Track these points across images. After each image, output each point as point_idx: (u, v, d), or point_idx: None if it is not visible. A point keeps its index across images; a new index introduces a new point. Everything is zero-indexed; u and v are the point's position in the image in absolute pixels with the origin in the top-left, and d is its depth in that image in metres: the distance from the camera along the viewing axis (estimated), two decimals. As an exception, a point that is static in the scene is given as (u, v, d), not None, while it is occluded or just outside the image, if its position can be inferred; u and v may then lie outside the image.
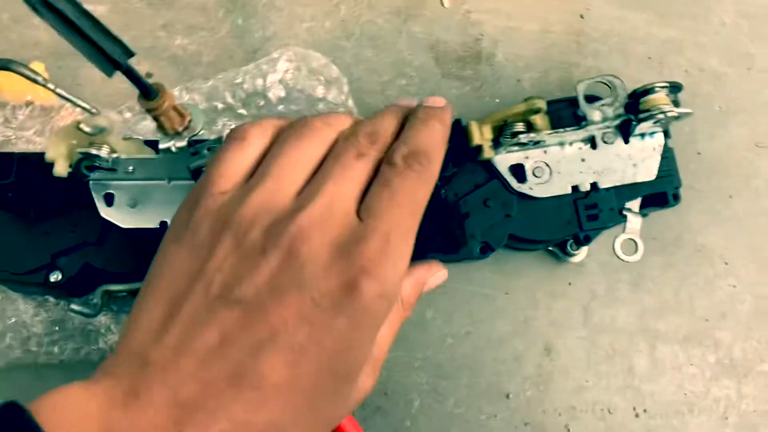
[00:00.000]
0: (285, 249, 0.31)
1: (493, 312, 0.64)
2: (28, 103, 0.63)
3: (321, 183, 0.35)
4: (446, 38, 0.69)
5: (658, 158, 0.59)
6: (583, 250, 0.64)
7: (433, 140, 0.41)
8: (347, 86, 0.63)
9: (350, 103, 0.63)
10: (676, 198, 0.60)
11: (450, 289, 0.64)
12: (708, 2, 0.72)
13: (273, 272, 0.31)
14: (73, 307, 0.51)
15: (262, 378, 0.29)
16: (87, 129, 0.52)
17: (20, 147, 0.63)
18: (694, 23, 0.71)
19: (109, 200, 0.57)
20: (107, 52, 0.39)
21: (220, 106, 0.61)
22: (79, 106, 0.52)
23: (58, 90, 0.51)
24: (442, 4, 0.70)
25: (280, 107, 0.61)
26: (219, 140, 0.56)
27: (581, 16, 0.71)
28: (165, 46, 0.68)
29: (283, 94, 0.61)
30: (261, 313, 0.30)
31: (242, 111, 0.62)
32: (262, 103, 0.61)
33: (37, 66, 0.66)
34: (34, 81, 0.50)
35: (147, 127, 0.62)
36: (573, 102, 0.61)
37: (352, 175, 0.36)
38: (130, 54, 0.41)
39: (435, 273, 0.46)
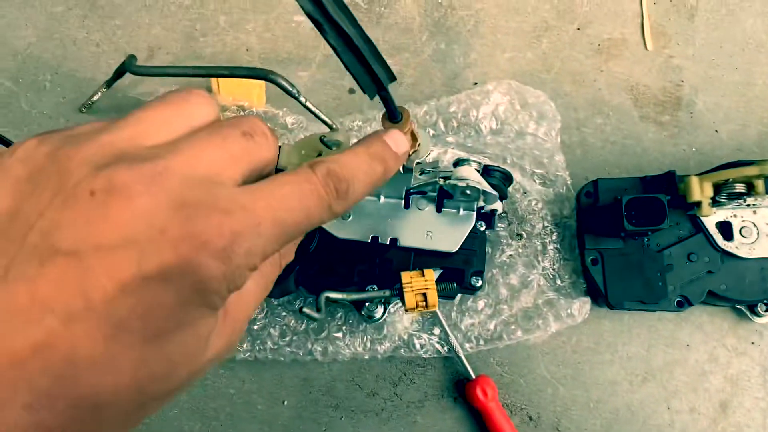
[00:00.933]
0: (120, 197, 0.26)
1: (671, 361, 0.64)
2: (242, 108, 0.66)
3: (191, 140, 0.30)
4: (646, 81, 0.69)
5: None
6: (772, 312, 0.63)
7: (364, 180, 0.34)
8: (559, 124, 0.64)
9: (558, 140, 0.64)
10: None
11: (631, 335, 0.64)
12: None
13: (99, 223, 0.26)
14: (305, 310, 0.53)
15: (74, 350, 0.25)
16: (328, 143, 0.54)
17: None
18: None
19: (324, 212, 0.60)
20: (376, 74, 0.41)
21: (431, 132, 0.63)
22: (322, 120, 0.54)
23: (308, 104, 0.53)
24: (645, 47, 0.70)
25: (488, 138, 0.63)
26: (435, 164, 0.58)
27: (787, 72, 0.69)
28: (369, 62, 0.70)
29: (495, 126, 0.62)
30: (79, 272, 0.25)
31: (450, 139, 0.63)
32: (472, 133, 0.62)
33: (249, 71, 0.69)
34: (289, 93, 0.52)
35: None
36: (785, 164, 0.60)
37: (231, 147, 0.30)
38: (393, 78, 0.42)
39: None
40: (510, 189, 0.64)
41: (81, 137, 0.28)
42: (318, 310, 0.55)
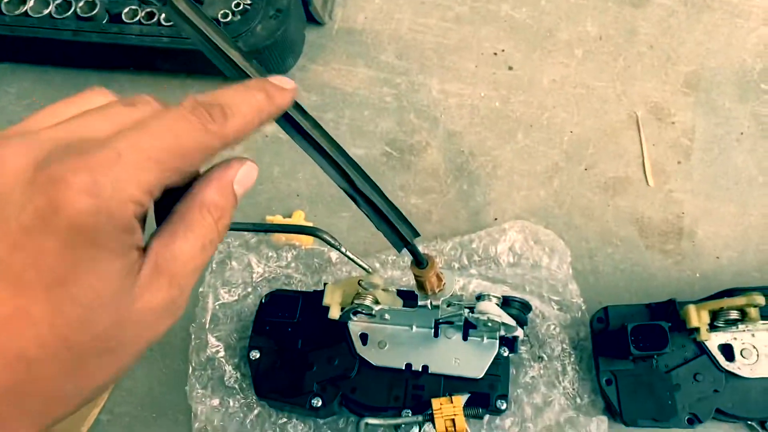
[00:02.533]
0: None
1: (689, 477, 0.68)
2: (293, 246, 0.77)
3: (74, 117, 0.31)
4: (650, 213, 0.78)
5: None
6: (783, 428, 0.67)
7: (243, 103, 0.33)
8: (570, 258, 0.72)
9: (570, 271, 0.72)
10: None
11: (650, 450, 0.69)
12: None
13: None
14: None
15: None
16: (365, 285, 0.63)
17: (282, 282, 0.76)
18: None
19: (363, 340, 0.68)
20: (400, 233, 0.51)
21: (456, 265, 0.72)
22: (360, 266, 0.64)
23: (348, 253, 0.62)
24: (647, 183, 0.79)
25: (507, 270, 0.71)
26: (460, 297, 0.66)
27: (778, 203, 0.77)
28: (402, 203, 0.80)
29: (511, 259, 0.71)
30: None
31: (473, 271, 0.72)
32: (492, 266, 0.71)
33: (298, 214, 0.80)
34: (333, 246, 0.61)
35: (390, 275, 0.73)
36: (779, 290, 0.67)
37: (108, 113, 0.31)
38: (416, 234, 0.52)
39: (238, 170, 0.36)
40: (530, 315, 0.72)
41: None
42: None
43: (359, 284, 0.63)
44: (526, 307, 0.69)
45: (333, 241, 0.63)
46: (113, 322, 0.29)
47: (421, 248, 0.54)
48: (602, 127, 0.82)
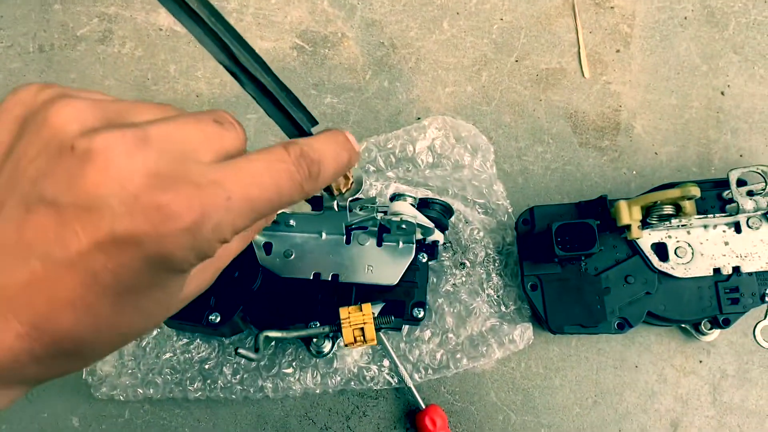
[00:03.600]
0: (99, 159, 0.27)
1: (620, 384, 0.64)
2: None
3: (169, 119, 0.31)
4: (585, 108, 0.71)
5: (807, 246, 0.59)
6: (716, 331, 0.63)
7: (333, 163, 0.35)
8: (493, 155, 0.66)
9: (493, 170, 0.66)
10: (823, 287, 0.59)
11: (579, 359, 0.65)
12: None
13: (78, 181, 0.27)
14: (241, 351, 0.55)
15: (54, 292, 0.27)
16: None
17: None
18: (839, 104, 0.70)
19: (267, 249, 0.61)
20: (296, 120, 0.43)
21: (371, 168, 0.65)
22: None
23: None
24: (582, 75, 0.72)
25: (427, 172, 0.64)
26: (373, 200, 0.59)
27: (722, 93, 0.71)
28: (316, 103, 0.72)
29: (431, 160, 0.64)
30: (59, 223, 0.27)
31: (390, 173, 0.65)
32: (410, 167, 0.64)
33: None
34: None
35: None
36: (717, 184, 0.61)
37: (205, 128, 0.31)
38: (314, 122, 0.44)
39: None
40: (453, 219, 0.66)
41: (78, 97, 0.30)
42: (256, 350, 0.56)
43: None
44: (447, 210, 0.62)
45: None
46: (163, 316, 0.32)
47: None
48: (535, 13, 0.74)
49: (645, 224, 0.58)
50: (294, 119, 0.44)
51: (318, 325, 0.60)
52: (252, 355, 0.55)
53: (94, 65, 0.75)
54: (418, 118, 0.71)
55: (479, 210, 0.66)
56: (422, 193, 0.65)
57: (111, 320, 0.29)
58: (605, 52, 0.73)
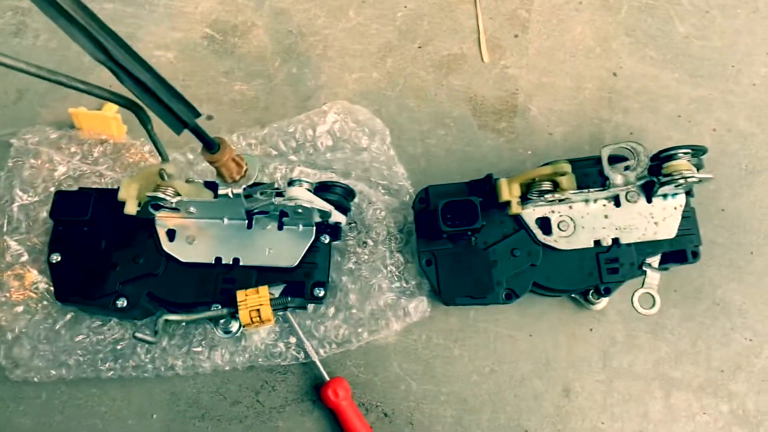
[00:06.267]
0: None
1: (516, 352, 0.68)
2: (102, 141, 0.70)
3: None
4: (484, 92, 0.74)
5: (679, 217, 0.63)
6: (604, 299, 0.67)
7: None
8: (389, 137, 0.69)
9: (391, 152, 0.69)
10: (695, 255, 0.63)
11: (477, 329, 0.68)
12: (738, 63, 0.75)
13: None
14: (137, 335, 0.57)
15: None
16: (162, 174, 0.58)
17: (93, 180, 0.70)
18: (724, 83, 0.74)
19: (170, 236, 0.64)
20: (177, 113, 0.46)
21: (273, 152, 0.67)
22: (159, 151, 0.58)
23: (155, 134, 0.56)
24: (482, 59, 0.75)
25: (328, 155, 0.67)
26: (271, 185, 0.62)
27: (614, 74, 0.74)
28: (225, 91, 0.74)
29: (330, 143, 0.67)
30: None
31: (293, 157, 0.68)
32: (311, 151, 0.66)
33: (109, 106, 0.72)
34: (142, 122, 0.55)
35: (208, 167, 0.68)
36: (599, 161, 0.65)
37: None
38: (197, 114, 0.47)
39: None
40: (356, 200, 0.69)
41: None
42: (155, 333, 0.58)
43: (160, 175, 0.58)
44: (348, 193, 0.65)
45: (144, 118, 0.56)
46: None
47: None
48: (438, 0, 0.77)
49: (526, 200, 0.61)
50: (175, 112, 0.47)
51: (220, 307, 0.63)
52: (150, 338, 0.58)
53: (8, 58, 0.76)
54: (326, 104, 0.73)
55: (382, 191, 0.69)
56: (327, 176, 0.68)
57: None
58: (504, 37, 0.76)
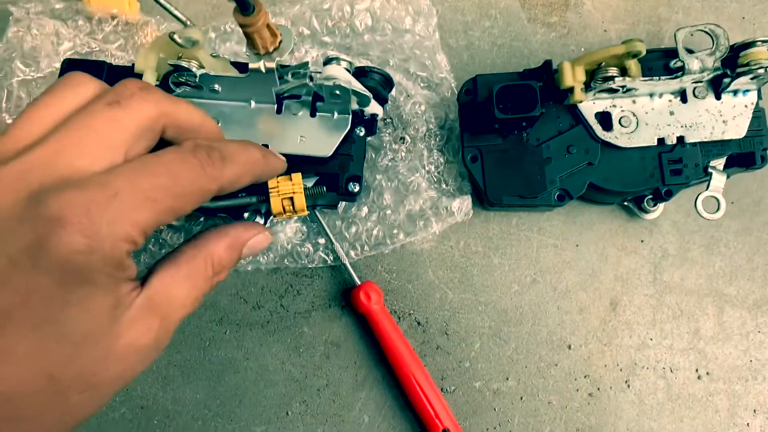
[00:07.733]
0: None
1: (561, 262, 0.63)
2: (113, 17, 0.63)
3: (57, 132, 0.30)
4: (534, -18, 0.68)
5: (750, 116, 0.58)
6: (659, 208, 0.62)
7: (241, 154, 0.36)
8: (435, 19, 0.62)
9: (436, 36, 0.62)
10: (764, 159, 0.58)
11: (519, 237, 0.63)
12: (810, -37, 0.69)
13: None
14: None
15: None
16: (180, 40, 0.51)
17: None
18: (793, -16, 0.68)
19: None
20: None
21: (306, 31, 0.60)
22: (174, 16, 0.52)
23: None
24: (533, -53, 0.68)
25: (366, 37, 0.60)
26: (305, 65, 0.56)
27: (675, -31, 0.68)
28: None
29: (369, 22, 0.60)
30: None
31: (326, 39, 0.61)
32: (348, 31, 0.60)
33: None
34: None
35: (230, 49, 0.62)
36: (666, 53, 0.59)
37: (97, 124, 0.31)
38: None
39: (254, 235, 0.40)
40: (393, 93, 0.62)
41: None
42: (177, 219, 0.53)
43: (172, 40, 0.52)
44: (387, 81, 0.59)
45: None
46: (99, 357, 0.29)
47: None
48: None
49: (588, 88, 0.56)
50: None
51: (245, 195, 0.57)
52: (174, 222, 0.52)
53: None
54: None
55: (422, 84, 0.63)
56: (361, 62, 0.62)
57: (35, 362, 0.27)
58: (557, -76, 0.69)
